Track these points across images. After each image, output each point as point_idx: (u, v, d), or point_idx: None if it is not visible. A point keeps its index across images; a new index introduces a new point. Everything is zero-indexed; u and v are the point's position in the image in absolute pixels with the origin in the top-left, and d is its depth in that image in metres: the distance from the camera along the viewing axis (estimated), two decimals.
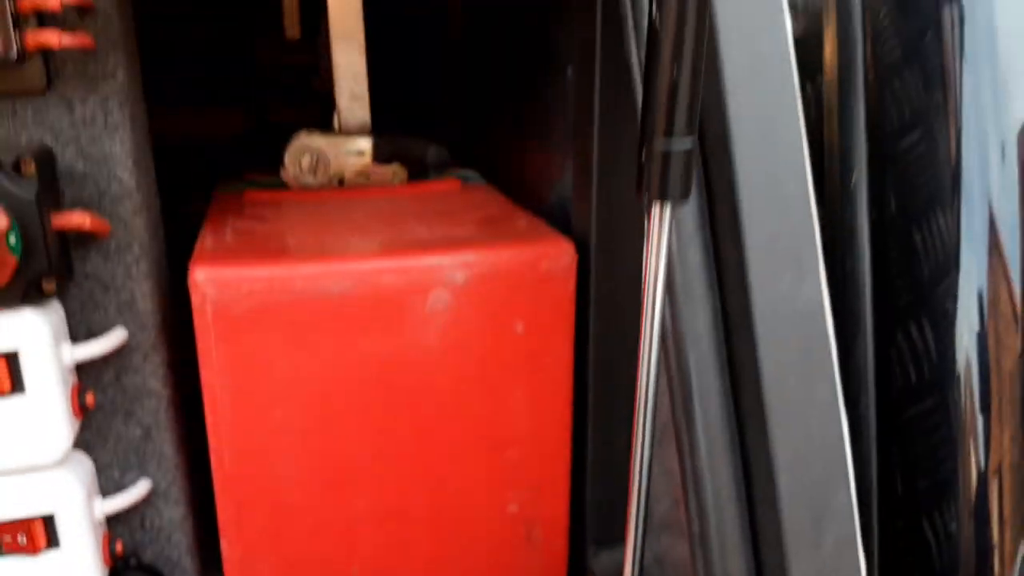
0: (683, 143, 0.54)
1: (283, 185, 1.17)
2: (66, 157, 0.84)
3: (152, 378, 0.92)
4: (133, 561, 0.97)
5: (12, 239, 0.77)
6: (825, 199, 0.85)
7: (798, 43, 0.91)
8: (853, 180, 0.81)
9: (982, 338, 0.79)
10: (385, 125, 1.26)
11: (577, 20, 0.97)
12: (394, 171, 1.19)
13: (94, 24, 0.82)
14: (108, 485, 0.94)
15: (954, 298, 0.78)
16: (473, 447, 0.95)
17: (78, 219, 0.82)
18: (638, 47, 0.69)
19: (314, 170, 1.14)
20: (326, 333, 0.86)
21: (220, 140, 1.29)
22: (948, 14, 0.81)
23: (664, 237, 0.57)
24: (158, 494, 0.96)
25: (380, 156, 1.18)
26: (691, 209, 0.66)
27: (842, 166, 0.82)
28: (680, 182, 0.55)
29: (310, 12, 1.46)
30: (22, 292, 0.80)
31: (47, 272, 0.80)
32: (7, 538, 0.85)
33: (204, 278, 0.82)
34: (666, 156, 0.54)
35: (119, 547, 0.93)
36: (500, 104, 1.34)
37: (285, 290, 0.84)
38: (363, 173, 1.17)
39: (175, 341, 0.96)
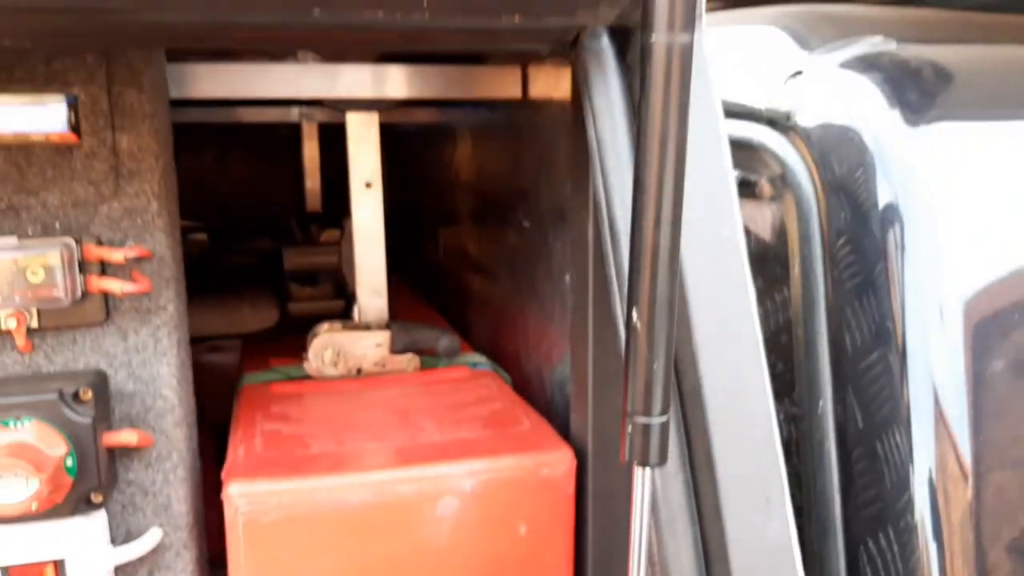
0: (659, 419, 0.64)
1: (306, 375, 1.27)
2: (118, 379, 0.94)
3: (183, 574, 1.00)
4: None
5: (69, 462, 0.87)
6: (796, 423, 0.94)
7: (764, 256, 1.03)
8: (820, 407, 0.91)
9: (939, 541, 0.87)
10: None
11: (575, 235, 1.09)
12: (408, 359, 1.30)
13: (150, 266, 0.93)
14: None
15: (913, 512, 0.86)
16: None
17: (127, 437, 0.92)
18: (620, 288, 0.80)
19: (335, 363, 1.25)
20: (344, 538, 0.94)
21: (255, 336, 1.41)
22: (892, 235, 0.92)
23: (647, 492, 0.66)
24: None
25: (396, 347, 1.28)
26: (672, 452, 0.75)
27: (809, 393, 0.92)
28: (658, 450, 0.65)
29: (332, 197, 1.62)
30: (73, 507, 0.89)
31: (97, 487, 0.89)
32: None
33: (237, 492, 0.91)
34: (646, 429, 0.64)
35: None
36: (504, 290, 1.45)
37: (310, 501, 0.92)
38: (380, 363, 1.28)
39: (204, 537, 1.04)
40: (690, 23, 0.59)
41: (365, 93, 1.20)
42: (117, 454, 0.96)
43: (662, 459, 0.65)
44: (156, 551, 0.98)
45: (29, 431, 0.84)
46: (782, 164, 1.02)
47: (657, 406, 0.63)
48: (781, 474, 0.75)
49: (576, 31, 0.76)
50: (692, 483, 0.75)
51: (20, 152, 0.88)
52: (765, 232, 1.05)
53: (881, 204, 0.95)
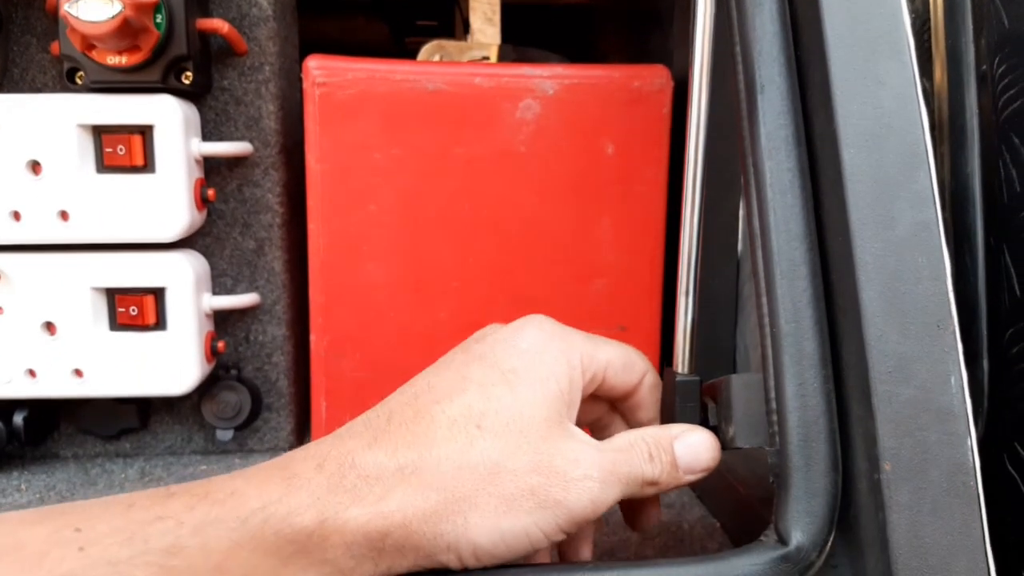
0: None
1: None
2: None
3: (270, 194, 1.00)
4: (234, 373, 1.02)
5: (158, 17, 0.87)
6: None
7: None
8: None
9: None
10: None
11: None
12: None
13: None
14: (220, 291, 1.01)
15: None
16: (559, 270, 0.98)
17: (218, 24, 0.92)
18: None
19: None
20: (419, 128, 0.94)
21: (365, 48, 1.40)
22: None
23: None
24: (264, 310, 1.02)
25: (503, 59, 1.25)
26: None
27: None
28: None
29: None
30: (163, 72, 0.90)
31: (186, 59, 0.90)
32: (121, 308, 0.92)
33: (315, 65, 0.93)
34: None
35: (221, 346, 0.98)
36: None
37: (385, 81, 0.93)
38: None
39: (293, 164, 1.05)
40: None
41: None
42: (213, 59, 0.97)
43: None
44: (245, 166, 0.99)
45: None
46: None
47: None
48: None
49: None
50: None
51: None
52: None
53: None
